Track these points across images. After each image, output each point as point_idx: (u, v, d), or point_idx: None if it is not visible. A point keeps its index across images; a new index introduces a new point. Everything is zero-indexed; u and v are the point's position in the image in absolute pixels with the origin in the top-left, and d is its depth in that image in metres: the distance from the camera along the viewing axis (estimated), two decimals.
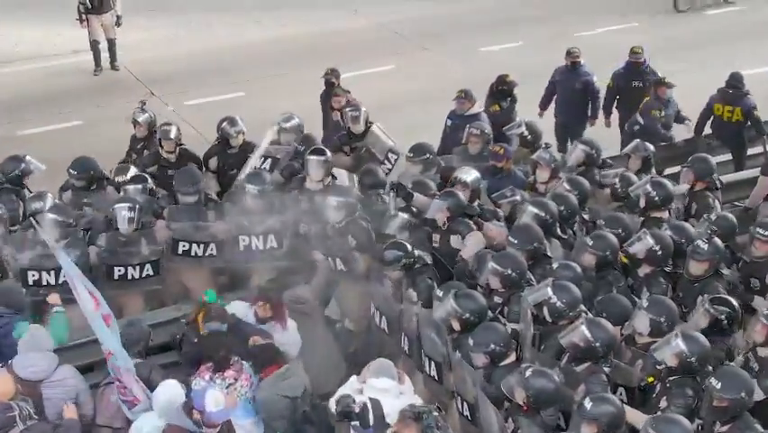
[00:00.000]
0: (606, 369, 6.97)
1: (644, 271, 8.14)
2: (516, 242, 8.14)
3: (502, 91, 12.46)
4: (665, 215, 8.94)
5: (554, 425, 6.65)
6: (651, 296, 7.59)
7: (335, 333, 9.02)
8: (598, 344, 6.90)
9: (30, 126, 14.87)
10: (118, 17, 16.66)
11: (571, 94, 12.72)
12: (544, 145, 10.28)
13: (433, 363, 7.54)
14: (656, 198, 8.90)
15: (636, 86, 12.82)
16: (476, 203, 9.25)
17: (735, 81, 12.01)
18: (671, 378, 6.78)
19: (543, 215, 8.49)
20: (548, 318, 7.38)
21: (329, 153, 9.75)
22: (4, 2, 20.21)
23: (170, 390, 7.15)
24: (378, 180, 9.71)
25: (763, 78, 13.03)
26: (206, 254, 9.26)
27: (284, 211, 9.32)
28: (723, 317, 7.40)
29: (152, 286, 9.14)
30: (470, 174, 9.32)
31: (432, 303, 7.96)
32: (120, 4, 16.66)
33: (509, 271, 7.75)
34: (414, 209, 9.12)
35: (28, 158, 10.00)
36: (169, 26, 19.37)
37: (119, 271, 8.99)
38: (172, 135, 10.48)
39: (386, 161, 10.57)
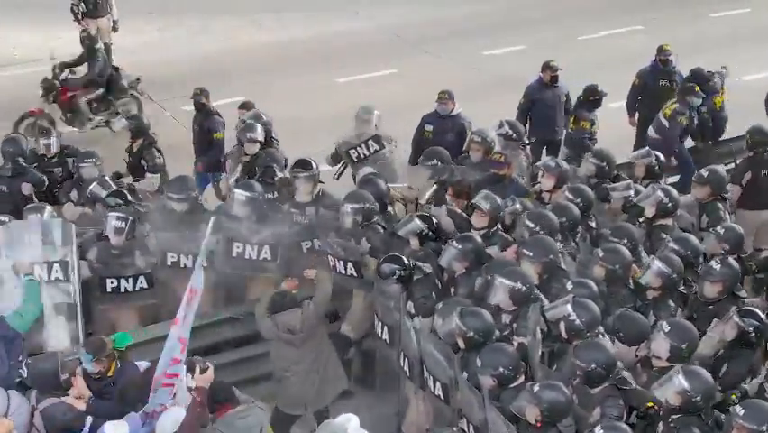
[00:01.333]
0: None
1: (652, 294, 7.87)
2: (530, 254, 7.87)
3: (594, 102, 12.33)
4: (670, 222, 8.84)
5: None
6: (672, 320, 7.29)
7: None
8: (699, 397, 6.43)
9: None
10: (114, 22, 16.55)
11: (548, 110, 12.33)
12: (526, 140, 10.49)
13: (438, 383, 7.37)
14: (669, 205, 8.78)
15: (664, 85, 12.65)
16: (496, 228, 8.73)
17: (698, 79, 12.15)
18: (674, 417, 6.51)
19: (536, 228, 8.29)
20: (564, 335, 7.15)
21: (315, 166, 9.72)
22: (2, 6, 20.09)
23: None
24: (379, 191, 9.48)
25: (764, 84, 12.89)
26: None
27: (279, 224, 9.23)
28: (751, 329, 7.18)
29: (146, 300, 8.97)
30: (488, 200, 8.71)
31: (431, 313, 7.89)
32: (116, 9, 16.54)
33: (519, 286, 7.49)
34: (433, 220, 8.88)
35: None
36: (167, 29, 19.31)
37: (111, 283, 8.84)
38: None
39: (362, 146, 10.70)
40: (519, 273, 7.64)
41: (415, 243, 8.65)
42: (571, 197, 8.84)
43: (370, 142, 10.73)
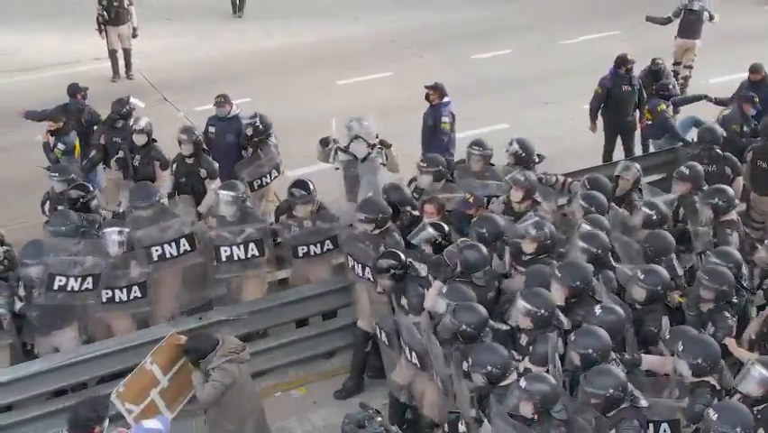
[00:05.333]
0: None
1: (706, 306, 7.42)
2: (559, 276, 7.33)
3: (662, 95, 12.13)
4: (734, 216, 8.56)
5: (566, 417, 6.20)
6: (687, 337, 6.77)
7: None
8: None
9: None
10: (134, 29, 16.69)
11: (425, 130, 11.51)
12: (536, 159, 9.81)
13: (439, 378, 7.15)
14: (723, 204, 8.52)
15: (626, 90, 12.39)
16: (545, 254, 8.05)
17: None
18: (757, 408, 6.21)
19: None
20: (579, 365, 6.63)
21: (312, 187, 9.15)
22: (29, 13, 20.22)
23: None
24: (404, 197, 9.15)
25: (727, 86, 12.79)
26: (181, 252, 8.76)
27: (258, 220, 9.00)
28: None
29: (140, 308, 8.60)
30: (539, 227, 8.08)
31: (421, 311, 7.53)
32: (136, 17, 16.70)
33: (541, 311, 6.97)
34: (446, 231, 8.43)
35: (132, 99, 11.23)
36: (183, 35, 19.30)
37: (106, 294, 8.42)
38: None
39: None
40: (541, 298, 7.09)
41: (428, 250, 8.26)
42: (585, 205, 8.54)
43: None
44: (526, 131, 10.66)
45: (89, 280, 8.26)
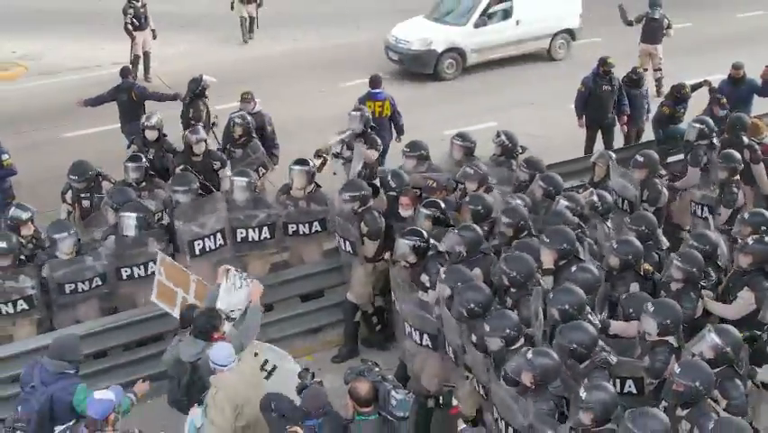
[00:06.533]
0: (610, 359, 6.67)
1: (675, 286, 7.74)
2: (548, 241, 7.78)
3: (679, 99, 12.62)
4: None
5: (562, 395, 6.46)
6: (657, 300, 7.18)
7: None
8: (728, 348, 6.54)
9: (73, 129, 15.04)
10: (152, 31, 17.15)
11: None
12: (520, 150, 10.34)
13: (451, 349, 7.44)
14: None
15: (606, 89, 12.91)
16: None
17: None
18: (713, 371, 6.39)
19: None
20: (558, 319, 6.98)
21: (312, 163, 9.77)
22: (53, 20, 20.47)
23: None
24: (401, 183, 9.58)
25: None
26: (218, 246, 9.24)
27: (271, 207, 9.41)
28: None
29: None
30: (510, 214, 8.52)
31: None
32: (152, 20, 17.19)
33: (514, 274, 7.47)
34: (441, 207, 8.89)
35: (205, 77, 12.19)
36: (196, 42, 19.60)
37: (126, 271, 8.83)
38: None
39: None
40: (520, 261, 7.54)
41: (427, 225, 8.62)
42: (543, 185, 9.11)
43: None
44: (513, 128, 11.12)
45: (97, 279, 8.67)
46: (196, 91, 12.08)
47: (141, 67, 17.08)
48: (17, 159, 11.34)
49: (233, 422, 6.63)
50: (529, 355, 6.37)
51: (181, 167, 10.32)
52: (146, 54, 17.08)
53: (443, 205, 8.90)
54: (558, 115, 14.34)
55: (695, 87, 12.95)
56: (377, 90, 12.46)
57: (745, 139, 10.59)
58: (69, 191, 9.96)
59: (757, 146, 10.60)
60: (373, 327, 9.58)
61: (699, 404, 6.11)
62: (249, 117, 11.18)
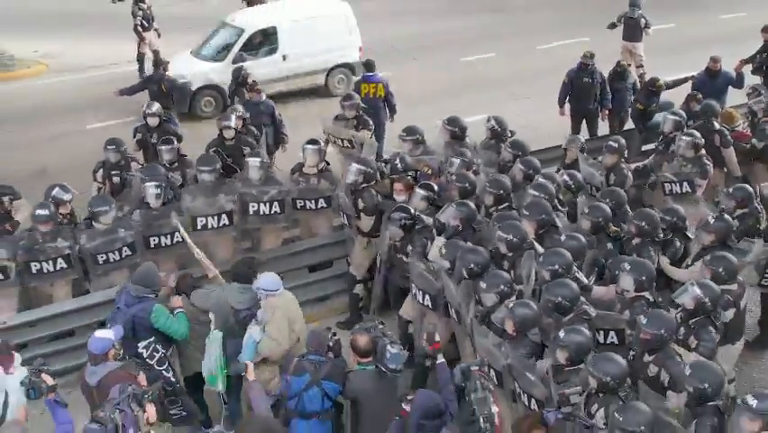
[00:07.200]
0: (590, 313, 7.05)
1: (635, 241, 8.27)
2: (527, 213, 8.26)
3: (652, 93, 13.03)
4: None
5: (539, 341, 6.82)
6: (632, 259, 7.67)
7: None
8: (707, 300, 6.94)
9: (94, 122, 15.51)
10: (156, 30, 17.79)
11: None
12: (509, 134, 10.70)
13: (453, 308, 7.81)
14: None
15: (586, 81, 13.40)
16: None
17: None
18: (692, 320, 6.90)
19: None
20: (548, 279, 7.36)
21: (323, 143, 10.23)
22: (70, 22, 20.99)
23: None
24: (408, 167, 9.93)
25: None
26: (221, 225, 9.57)
27: (282, 184, 9.81)
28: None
29: (182, 250, 9.15)
30: (494, 185, 9.03)
31: (424, 257, 8.32)
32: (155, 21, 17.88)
33: (511, 237, 7.89)
34: (435, 189, 9.22)
35: (244, 66, 13.65)
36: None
37: (153, 240, 9.17)
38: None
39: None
40: (513, 227, 7.97)
41: (423, 205, 8.97)
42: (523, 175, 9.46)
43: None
44: (506, 120, 11.15)
45: (126, 249, 8.98)
46: (239, 80, 13.09)
47: (146, 64, 17.36)
48: (43, 149, 11.78)
49: (288, 334, 7.40)
50: (511, 306, 6.89)
51: (213, 149, 10.84)
52: (155, 52, 17.35)
53: (436, 188, 9.26)
54: (546, 107, 14.45)
55: (679, 82, 13.39)
56: (371, 74, 13.21)
57: (716, 125, 11.08)
58: (101, 170, 10.47)
59: (727, 131, 11.06)
60: (369, 296, 9.82)
61: (665, 349, 6.48)
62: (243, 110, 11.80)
